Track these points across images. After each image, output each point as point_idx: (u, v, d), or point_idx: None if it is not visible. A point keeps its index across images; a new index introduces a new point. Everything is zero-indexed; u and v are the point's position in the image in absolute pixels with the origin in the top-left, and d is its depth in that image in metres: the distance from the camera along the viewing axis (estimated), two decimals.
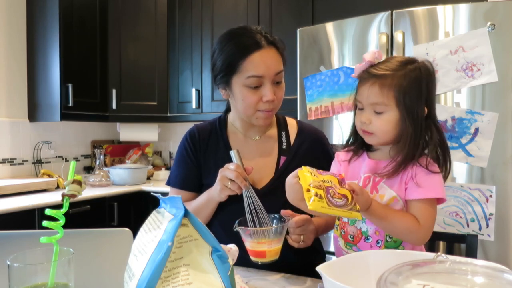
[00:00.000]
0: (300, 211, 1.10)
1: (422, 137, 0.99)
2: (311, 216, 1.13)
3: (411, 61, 1.00)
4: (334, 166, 1.15)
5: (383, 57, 1.04)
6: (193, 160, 1.29)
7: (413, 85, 0.97)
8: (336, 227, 1.10)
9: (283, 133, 1.30)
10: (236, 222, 1.04)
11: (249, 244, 1.03)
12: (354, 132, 1.09)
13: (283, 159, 1.25)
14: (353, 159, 1.10)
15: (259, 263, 1.04)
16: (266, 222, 1.07)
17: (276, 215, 1.08)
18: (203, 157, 1.28)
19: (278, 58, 1.18)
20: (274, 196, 1.18)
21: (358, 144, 1.10)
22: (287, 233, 1.08)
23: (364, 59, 1.02)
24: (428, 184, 0.97)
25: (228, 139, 1.29)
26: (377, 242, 1.02)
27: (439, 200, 0.99)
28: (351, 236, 1.05)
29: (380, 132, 1.00)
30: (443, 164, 1.02)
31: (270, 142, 1.29)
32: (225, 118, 1.34)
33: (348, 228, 1.05)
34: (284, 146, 1.27)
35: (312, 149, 1.29)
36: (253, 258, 1.05)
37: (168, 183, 1.34)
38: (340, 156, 1.14)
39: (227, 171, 1.10)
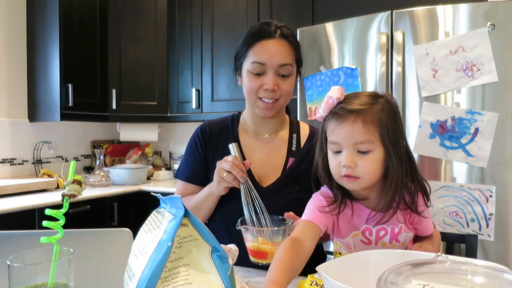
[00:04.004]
0: (301, 213, 1.10)
1: (408, 172, 0.93)
2: None
3: (378, 94, 0.94)
4: (324, 219, 0.97)
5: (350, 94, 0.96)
6: (201, 154, 1.30)
7: (391, 119, 0.90)
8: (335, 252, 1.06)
9: (294, 135, 1.31)
10: (238, 221, 1.04)
11: (250, 244, 1.03)
12: (329, 178, 0.98)
13: (291, 160, 1.26)
14: (341, 210, 0.98)
15: (260, 264, 1.04)
16: (266, 218, 1.06)
17: (279, 217, 1.08)
18: (212, 152, 1.29)
19: (287, 51, 1.19)
20: (278, 196, 1.19)
21: (338, 192, 0.97)
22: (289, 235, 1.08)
23: (330, 97, 0.93)
24: (429, 223, 1.01)
25: (238, 135, 1.30)
26: None
27: None
28: None
29: (367, 174, 0.90)
30: (425, 195, 0.97)
31: (280, 142, 1.30)
32: (239, 116, 1.36)
33: None
34: (293, 148, 1.28)
35: None
36: (253, 259, 1.04)
37: (176, 175, 1.36)
38: (330, 205, 0.98)
39: (224, 163, 1.11)
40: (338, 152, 0.92)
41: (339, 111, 0.91)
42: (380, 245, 0.98)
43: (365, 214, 0.97)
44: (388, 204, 0.92)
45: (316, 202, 0.99)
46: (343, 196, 0.97)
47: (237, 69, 1.27)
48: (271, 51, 1.17)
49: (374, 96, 0.93)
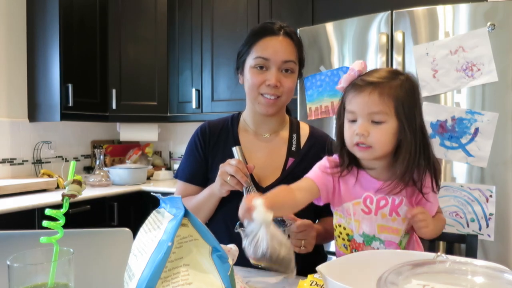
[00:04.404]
0: (303, 215, 1.11)
1: (420, 148, 0.95)
2: (314, 221, 1.14)
3: (399, 72, 0.98)
4: (321, 175, 1.03)
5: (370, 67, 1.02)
6: (201, 154, 1.30)
7: (409, 95, 0.94)
8: (346, 247, 1.05)
9: (294, 136, 1.31)
10: (237, 223, 1.04)
11: None
12: (341, 146, 1.02)
13: (290, 160, 1.26)
14: (343, 174, 1.02)
15: (259, 266, 1.04)
16: None
17: (278, 218, 1.08)
18: (211, 152, 1.30)
19: (291, 49, 1.21)
20: None
21: (347, 159, 1.01)
22: (288, 237, 1.08)
23: (352, 69, 0.98)
24: (434, 206, 1.01)
25: (238, 135, 1.30)
26: None
27: None
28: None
29: (379, 143, 0.93)
30: (435, 178, 0.99)
31: (280, 142, 1.30)
32: (239, 116, 1.36)
33: (364, 249, 1.01)
34: (293, 148, 1.28)
35: (321, 154, 1.28)
36: (252, 261, 1.04)
37: (176, 176, 1.36)
38: (332, 167, 1.03)
39: (227, 166, 1.11)
40: (354, 121, 0.96)
41: (359, 82, 0.96)
42: (379, 216, 0.99)
43: (369, 183, 1.00)
44: (398, 178, 0.95)
45: (321, 163, 1.05)
46: (349, 163, 1.01)
47: (239, 67, 1.27)
48: (275, 47, 1.19)
49: (395, 72, 0.97)
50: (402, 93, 0.93)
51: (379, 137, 0.93)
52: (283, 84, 1.20)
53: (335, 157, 1.04)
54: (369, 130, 0.93)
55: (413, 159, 0.94)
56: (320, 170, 1.03)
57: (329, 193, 1.02)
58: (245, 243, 0.74)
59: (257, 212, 0.73)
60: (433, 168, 0.97)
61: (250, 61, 1.21)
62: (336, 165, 1.02)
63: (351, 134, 0.96)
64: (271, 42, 1.19)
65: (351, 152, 0.99)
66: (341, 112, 1.01)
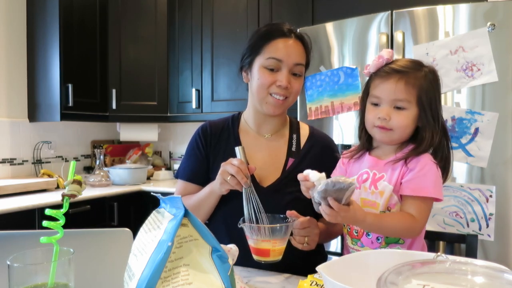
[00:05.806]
0: (304, 213, 1.11)
1: (434, 136, 1.01)
2: (317, 219, 1.14)
3: (423, 63, 1.05)
4: (338, 171, 1.16)
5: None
6: (202, 154, 1.30)
7: (432, 86, 1.01)
8: (344, 225, 1.12)
9: (294, 136, 1.31)
10: (241, 219, 1.04)
11: (253, 242, 1.03)
12: (363, 129, 1.10)
13: (291, 160, 1.26)
14: (354, 158, 1.11)
15: (262, 262, 1.04)
16: (264, 222, 1.06)
17: (281, 216, 1.08)
18: (212, 152, 1.30)
19: (302, 52, 1.23)
20: (278, 196, 1.19)
21: (362, 143, 1.11)
22: (291, 234, 1.08)
23: (381, 57, 1.04)
24: (424, 182, 0.98)
25: (239, 135, 1.30)
26: (377, 239, 1.04)
27: (435, 199, 1.00)
28: (356, 232, 1.07)
29: (399, 127, 1.00)
30: (443, 169, 1.03)
31: (280, 142, 1.30)
32: (239, 116, 1.36)
33: None
34: (293, 148, 1.28)
35: (321, 154, 1.29)
36: (255, 257, 1.04)
37: (177, 176, 1.36)
38: (344, 159, 1.16)
39: (229, 166, 1.10)
40: (377, 105, 1.03)
41: (386, 69, 1.03)
42: (362, 189, 1.05)
43: (369, 162, 1.07)
44: (410, 152, 1.01)
45: (338, 164, 1.18)
46: (362, 147, 1.11)
47: (245, 65, 1.27)
48: (288, 49, 1.20)
49: (419, 63, 1.04)
50: (425, 84, 1.00)
51: (400, 122, 1.00)
52: (292, 86, 1.21)
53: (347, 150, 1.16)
54: (391, 115, 1.00)
55: (431, 143, 1.01)
56: (337, 167, 1.16)
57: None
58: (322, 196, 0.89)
59: (312, 175, 0.91)
60: (443, 160, 1.03)
61: (261, 61, 1.21)
62: (350, 151, 1.13)
63: (373, 117, 1.03)
64: (284, 43, 1.20)
65: (370, 133, 1.07)
66: (364, 96, 1.09)
